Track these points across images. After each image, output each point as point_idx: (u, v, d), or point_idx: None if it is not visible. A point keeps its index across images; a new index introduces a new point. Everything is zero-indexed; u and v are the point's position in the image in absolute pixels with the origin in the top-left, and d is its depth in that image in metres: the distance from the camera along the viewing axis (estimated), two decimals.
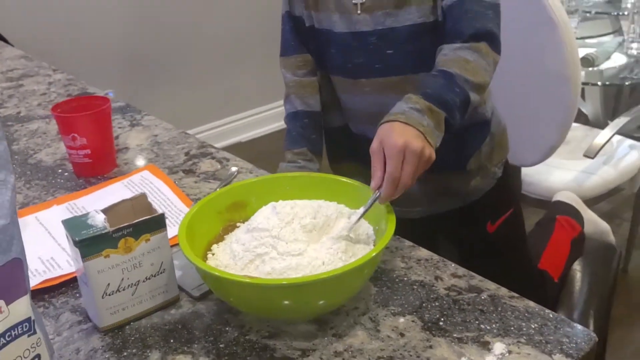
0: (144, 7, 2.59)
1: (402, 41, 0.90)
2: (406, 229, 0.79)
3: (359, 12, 0.92)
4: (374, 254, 0.63)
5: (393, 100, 0.79)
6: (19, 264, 0.48)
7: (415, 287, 0.71)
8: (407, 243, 0.79)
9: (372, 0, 0.90)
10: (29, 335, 0.49)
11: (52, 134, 1.19)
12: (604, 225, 1.54)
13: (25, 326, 0.49)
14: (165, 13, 2.65)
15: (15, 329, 0.48)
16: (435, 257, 0.77)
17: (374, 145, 0.72)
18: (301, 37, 1.03)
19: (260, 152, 2.84)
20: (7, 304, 0.47)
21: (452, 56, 0.83)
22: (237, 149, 2.94)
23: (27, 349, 0.50)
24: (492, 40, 0.85)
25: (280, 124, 1.08)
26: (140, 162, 1.06)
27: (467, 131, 0.97)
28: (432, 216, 1.05)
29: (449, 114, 0.77)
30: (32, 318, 0.50)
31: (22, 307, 0.48)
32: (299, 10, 1.01)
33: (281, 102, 1.09)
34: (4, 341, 0.47)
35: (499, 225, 1.08)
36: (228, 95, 2.98)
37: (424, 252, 0.77)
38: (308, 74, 1.06)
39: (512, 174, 1.12)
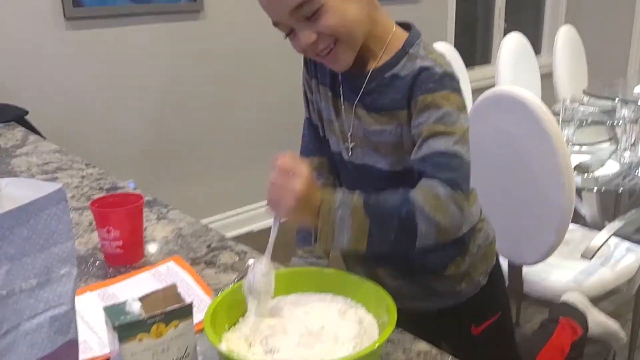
0: (166, 105, 2.79)
1: (375, 179, 1.02)
2: (405, 323, 0.87)
3: (349, 146, 1.05)
4: (376, 346, 0.71)
5: None
6: (74, 344, 0.57)
7: None
8: (408, 335, 0.87)
9: (358, 138, 1.03)
10: None
11: (84, 225, 1.30)
12: (612, 326, 1.58)
13: None
14: (185, 110, 2.86)
15: None
16: (434, 350, 0.84)
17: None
18: (319, 143, 1.16)
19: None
20: None
21: (426, 187, 0.88)
22: (250, 238, 3.04)
23: None
24: (461, 189, 0.88)
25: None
26: (166, 253, 1.16)
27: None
28: (424, 313, 1.13)
29: (375, 225, 0.83)
30: None
31: None
32: (314, 119, 1.15)
33: None
34: None
35: (484, 329, 1.15)
36: (242, 186, 3.12)
37: (423, 345, 0.85)
38: (323, 176, 1.18)
39: (499, 281, 1.19)
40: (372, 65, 0.99)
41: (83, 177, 1.60)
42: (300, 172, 0.81)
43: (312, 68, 1.10)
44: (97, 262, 1.12)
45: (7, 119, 2.12)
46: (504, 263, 1.69)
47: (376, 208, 0.84)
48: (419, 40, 0.98)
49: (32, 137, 1.99)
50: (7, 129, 2.07)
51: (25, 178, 1.46)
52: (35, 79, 2.42)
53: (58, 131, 2.40)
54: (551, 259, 1.70)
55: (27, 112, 2.19)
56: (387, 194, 0.87)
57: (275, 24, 0.94)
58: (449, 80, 0.93)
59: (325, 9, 0.90)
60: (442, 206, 0.85)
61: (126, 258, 1.09)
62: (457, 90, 0.94)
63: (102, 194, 1.45)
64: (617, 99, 2.37)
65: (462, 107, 0.94)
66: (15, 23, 2.34)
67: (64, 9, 2.42)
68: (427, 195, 0.86)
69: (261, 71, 3.05)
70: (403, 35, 0.99)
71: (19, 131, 2.05)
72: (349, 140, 1.04)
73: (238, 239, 3.22)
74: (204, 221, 2.94)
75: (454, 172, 0.89)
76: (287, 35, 0.95)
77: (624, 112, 2.36)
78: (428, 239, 0.86)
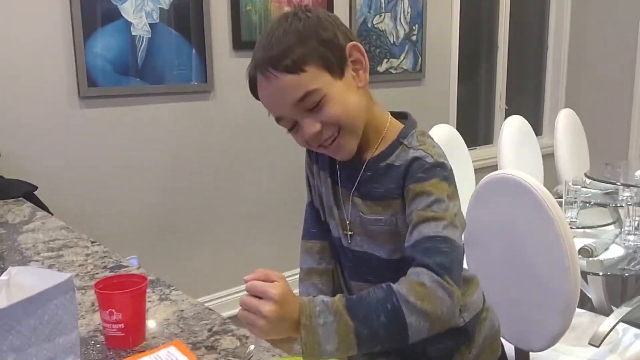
0: (174, 182, 2.83)
1: (373, 266, 1.04)
2: None
3: (348, 233, 1.06)
4: None
5: None
6: None
7: None
8: None
9: (355, 226, 1.04)
10: None
11: (86, 305, 1.29)
12: None
13: None
14: (192, 187, 2.89)
15: None
16: None
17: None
18: (322, 226, 1.18)
19: None
20: None
21: (411, 277, 0.87)
22: None
23: None
24: (450, 273, 0.88)
25: (295, 292, 1.20)
26: (167, 336, 1.15)
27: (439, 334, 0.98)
28: None
29: (362, 325, 0.80)
30: None
31: None
32: (316, 203, 1.18)
33: (296, 270, 1.21)
34: None
35: None
36: (245, 263, 3.10)
37: None
38: (325, 261, 1.18)
39: None
40: (369, 155, 1.02)
41: (88, 255, 1.61)
42: (270, 294, 0.80)
43: (314, 153, 1.14)
44: (98, 345, 1.11)
45: (17, 195, 2.15)
46: (510, 349, 1.66)
47: (359, 307, 0.82)
48: (414, 131, 1.01)
49: (40, 213, 2.01)
50: (16, 204, 2.10)
51: (35, 266, 1.47)
52: (47, 155, 2.47)
53: (66, 207, 2.43)
54: (558, 345, 1.67)
55: (36, 188, 2.22)
56: (369, 290, 0.85)
57: (278, 119, 0.98)
58: (440, 170, 0.96)
59: (328, 98, 0.94)
60: (429, 294, 0.84)
61: (127, 341, 1.08)
62: (447, 179, 0.96)
63: (106, 273, 1.46)
64: (619, 182, 2.40)
65: (452, 196, 0.95)
66: (30, 101, 2.42)
67: (78, 88, 2.51)
68: (411, 284, 0.85)
69: (267, 151, 3.11)
70: (398, 126, 1.03)
71: (27, 207, 2.07)
72: (348, 228, 1.05)
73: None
74: (206, 298, 2.93)
75: (443, 256, 0.88)
76: (290, 129, 0.99)
77: (627, 195, 2.38)
78: (420, 331, 0.84)
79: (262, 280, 0.83)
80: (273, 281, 0.82)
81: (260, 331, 0.80)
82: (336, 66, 0.95)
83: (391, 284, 0.86)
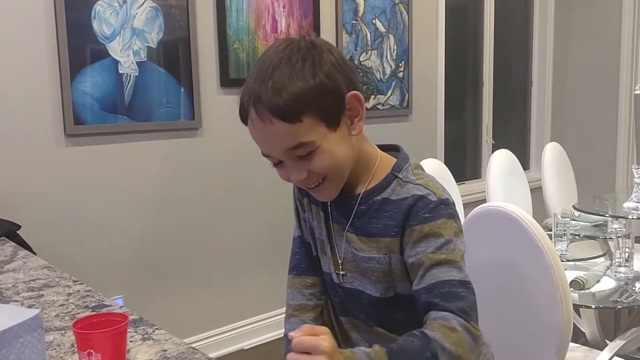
0: (160, 220, 2.80)
1: (364, 304, 1.02)
2: None
3: (339, 271, 1.04)
4: None
5: (362, 338, 0.87)
6: None
7: None
8: None
9: (348, 262, 1.02)
10: None
11: (66, 346, 1.25)
12: None
13: None
14: (178, 225, 2.85)
15: None
16: None
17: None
18: (312, 261, 1.15)
19: None
20: None
21: (440, 321, 0.87)
22: (241, 356, 2.92)
23: None
24: (473, 317, 0.89)
25: (283, 332, 1.17)
26: None
27: None
28: None
29: None
30: None
31: None
32: (307, 237, 1.15)
33: (284, 309, 1.17)
34: None
35: None
36: (232, 302, 3.05)
37: None
38: (315, 297, 1.15)
39: None
40: (362, 189, 1.00)
41: (69, 294, 1.56)
42: (321, 347, 0.74)
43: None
44: None
45: None
46: None
47: (401, 357, 0.81)
48: (408, 164, 1.00)
49: (22, 252, 1.96)
50: None
51: (3, 303, 1.42)
52: (31, 193, 2.44)
53: (50, 246, 2.39)
54: None
55: (19, 227, 2.18)
56: (406, 338, 0.84)
57: (265, 155, 0.97)
58: (445, 208, 0.94)
59: (320, 150, 0.92)
60: (460, 339, 0.84)
61: None
62: (453, 216, 0.95)
63: (87, 313, 1.41)
64: (607, 214, 2.39)
65: (459, 232, 0.94)
66: (15, 138, 2.39)
67: (64, 126, 2.49)
68: (444, 330, 0.85)
69: (255, 188, 3.09)
70: (390, 159, 1.02)
71: (9, 246, 2.03)
72: (340, 266, 1.03)
73: (229, 356, 3.10)
74: (194, 338, 2.86)
75: (462, 300, 0.88)
76: (275, 165, 0.98)
77: (616, 227, 2.37)
78: None
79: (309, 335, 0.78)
80: (319, 335, 0.77)
81: None
82: (333, 117, 0.93)
83: (425, 330, 0.85)
